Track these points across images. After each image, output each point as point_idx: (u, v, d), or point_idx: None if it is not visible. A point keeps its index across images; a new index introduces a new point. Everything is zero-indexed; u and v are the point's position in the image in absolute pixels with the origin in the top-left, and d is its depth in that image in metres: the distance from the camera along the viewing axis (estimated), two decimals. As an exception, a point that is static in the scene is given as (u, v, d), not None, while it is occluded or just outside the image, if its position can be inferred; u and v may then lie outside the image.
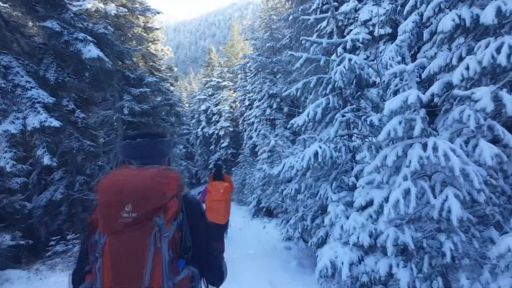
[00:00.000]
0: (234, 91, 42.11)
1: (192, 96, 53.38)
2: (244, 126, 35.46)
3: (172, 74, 31.09)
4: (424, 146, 3.16)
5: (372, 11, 13.64)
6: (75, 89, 7.48)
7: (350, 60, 5.32)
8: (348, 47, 5.59)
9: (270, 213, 12.81)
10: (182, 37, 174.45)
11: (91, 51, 6.13)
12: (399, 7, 7.98)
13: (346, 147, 5.45)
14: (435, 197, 3.14)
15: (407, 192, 3.09)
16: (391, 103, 3.23)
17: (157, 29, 25.48)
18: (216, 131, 39.69)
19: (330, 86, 5.61)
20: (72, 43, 6.18)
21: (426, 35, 5.11)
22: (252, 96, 31.93)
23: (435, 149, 3.00)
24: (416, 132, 3.12)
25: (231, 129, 39.48)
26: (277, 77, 28.26)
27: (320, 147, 5.19)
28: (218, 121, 40.25)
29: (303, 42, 5.69)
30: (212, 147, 39.75)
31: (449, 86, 3.96)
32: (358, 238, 3.92)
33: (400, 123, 3.20)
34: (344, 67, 5.32)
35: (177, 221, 1.63)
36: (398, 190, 3.07)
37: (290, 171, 5.67)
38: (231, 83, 42.30)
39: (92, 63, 6.39)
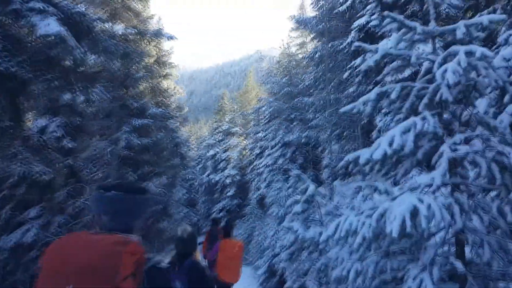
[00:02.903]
0: (244, 138, 40.23)
1: (200, 141, 51.56)
2: (252, 176, 33.22)
3: (182, 113, 29.33)
4: None
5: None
6: (41, 91, 5.21)
7: (469, 53, 3.03)
8: (459, 36, 3.29)
9: (283, 284, 10.08)
10: (198, 85, 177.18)
11: (50, 25, 4.02)
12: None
13: (460, 205, 3.03)
14: None
15: None
16: None
17: (170, 63, 24.11)
18: (222, 179, 37.33)
19: (425, 100, 3.29)
20: (25, 15, 4.09)
21: None
22: (263, 144, 29.90)
23: None
24: None
25: (238, 177, 37.15)
26: (293, 124, 26.27)
27: (422, 202, 2.79)
28: (225, 168, 38.03)
29: (385, 21, 3.45)
30: (217, 195, 37.12)
31: None
32: None
33: None
34: (459, 64, 3.03)
35: None
36: None
37: (348, 238, 3.28)
38: (243, 129, 40.53)
39: (48, 45, 4.23)
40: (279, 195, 13.61)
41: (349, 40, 13.19)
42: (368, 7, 12.71)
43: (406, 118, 3.77)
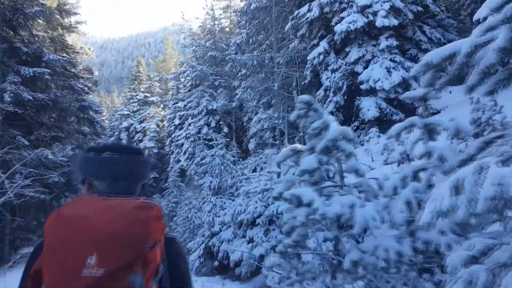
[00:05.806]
0: (163, 108, 37.33)
1: (113, 112, 47.05)
2: (171, 148, 30.89)
3: (91, 77, 25.61)
4: None
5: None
6: None
7: None
8: None
9: (224, 269, 8.43)
10: (109, 55, 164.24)
11: None
12: None
13: None
14: None
15: None
16: None
17: (76, 14, 20.53)
18: (138, 152, 34.29)
19: None
20: None
21: None
22: (184, 113, 27.60)
23: None
24: None
25: (155, 150, 34.45)
26: (218, 91, 24.41)
27: None
28: (141, 141, 35.00)
29: None
30: (131, 169, 33.90)
31: None
32: None
33: None
34: None
35: (157, 279, 1.12)
36: None
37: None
38: (160, 99, 37.50)
39: None
40: (212, 163, 11.85)
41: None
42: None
43: None
